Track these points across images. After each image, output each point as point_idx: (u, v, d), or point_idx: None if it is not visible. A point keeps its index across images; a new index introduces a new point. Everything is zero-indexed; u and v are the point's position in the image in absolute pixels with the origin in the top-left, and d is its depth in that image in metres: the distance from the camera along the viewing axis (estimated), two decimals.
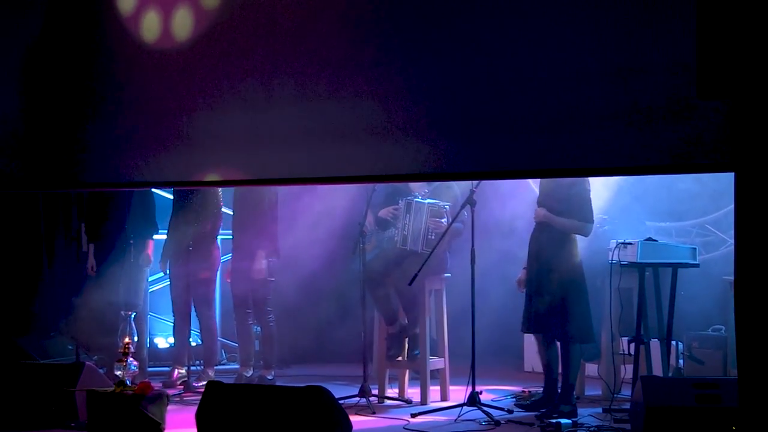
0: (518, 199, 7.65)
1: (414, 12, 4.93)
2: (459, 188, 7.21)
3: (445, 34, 4.87)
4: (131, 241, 7.75)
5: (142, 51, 5.63)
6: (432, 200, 7.22)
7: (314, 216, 8.35)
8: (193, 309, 7.85)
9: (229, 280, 7.98)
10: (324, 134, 5.13)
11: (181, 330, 7.94)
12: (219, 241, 7.95)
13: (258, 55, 5.27)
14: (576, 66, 4.56)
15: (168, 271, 7.97)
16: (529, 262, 6.78)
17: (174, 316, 7.99)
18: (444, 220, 7.12)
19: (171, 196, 8.10)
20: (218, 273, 8.09)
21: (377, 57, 4.99)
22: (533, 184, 7.61)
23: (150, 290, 8.47)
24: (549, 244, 6.60)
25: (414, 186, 7.34)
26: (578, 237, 6.60)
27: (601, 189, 6.91)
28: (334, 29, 5.10)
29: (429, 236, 7.11)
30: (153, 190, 8.06)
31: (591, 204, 6.60)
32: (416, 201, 7.21)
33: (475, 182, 6.67)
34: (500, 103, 4.75)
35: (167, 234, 7.93)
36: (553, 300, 6.53)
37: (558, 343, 6.63)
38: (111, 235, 7.84)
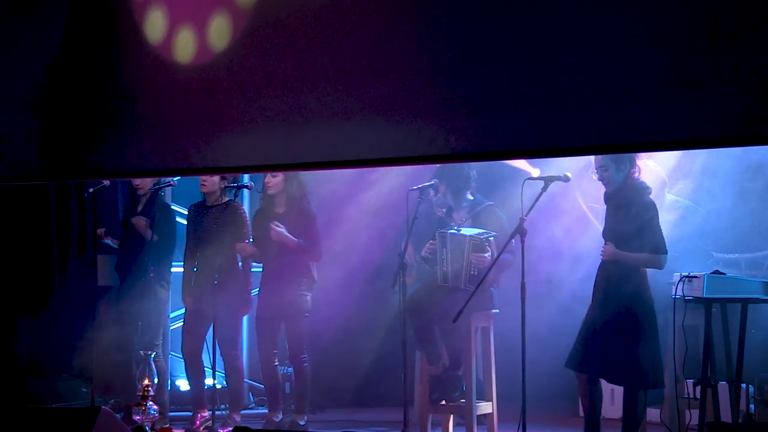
0: (567, 222, 7.50)
1: None
2: (506, 215, 6.87)
3: (492, 3, 4.61)
4: (151, 274, 7.47)
5: (170, 38, 5.50)
6: (473, 231, 6.81)
7: (351, 246, 8.21)
8: (217, 349, 7.53)
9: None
10: (362, 114, 4.91)
11: (194, 370, 7.62)
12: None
13: (290, 31, 5.07)
14: (636, 32, 4.27)
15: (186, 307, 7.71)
16: (596, 297, 6.38)
17: (183, 355, 7.71)
18: (487, 255, 6.71)
19: (184, 221, 7.89)
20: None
21: (418, 30, 4.75)
22: (594, 219, 7.35)
23: (171, 327, 8.22)
24: (619, 279, 6.23)
25: (456, 216, 7.00)
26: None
27: (664, 217, 6.54)
28: (371, 3, 4.87)
29: (471, 272, 6.72)
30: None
31: (661, 232, 6.26)
32: (450, 233, 6.82)
33: (525, 209, 6.25)
34: (554, 74, 4.45)
35: (189, 264, 7.66)
36: (622, 339, 6.16)
37: (603, 383, 6.35)
38: (129, 267, 7.61)
